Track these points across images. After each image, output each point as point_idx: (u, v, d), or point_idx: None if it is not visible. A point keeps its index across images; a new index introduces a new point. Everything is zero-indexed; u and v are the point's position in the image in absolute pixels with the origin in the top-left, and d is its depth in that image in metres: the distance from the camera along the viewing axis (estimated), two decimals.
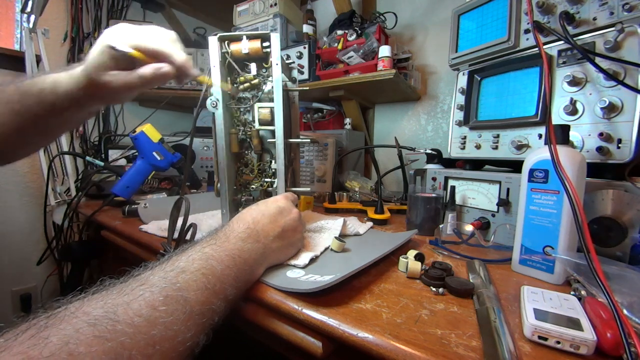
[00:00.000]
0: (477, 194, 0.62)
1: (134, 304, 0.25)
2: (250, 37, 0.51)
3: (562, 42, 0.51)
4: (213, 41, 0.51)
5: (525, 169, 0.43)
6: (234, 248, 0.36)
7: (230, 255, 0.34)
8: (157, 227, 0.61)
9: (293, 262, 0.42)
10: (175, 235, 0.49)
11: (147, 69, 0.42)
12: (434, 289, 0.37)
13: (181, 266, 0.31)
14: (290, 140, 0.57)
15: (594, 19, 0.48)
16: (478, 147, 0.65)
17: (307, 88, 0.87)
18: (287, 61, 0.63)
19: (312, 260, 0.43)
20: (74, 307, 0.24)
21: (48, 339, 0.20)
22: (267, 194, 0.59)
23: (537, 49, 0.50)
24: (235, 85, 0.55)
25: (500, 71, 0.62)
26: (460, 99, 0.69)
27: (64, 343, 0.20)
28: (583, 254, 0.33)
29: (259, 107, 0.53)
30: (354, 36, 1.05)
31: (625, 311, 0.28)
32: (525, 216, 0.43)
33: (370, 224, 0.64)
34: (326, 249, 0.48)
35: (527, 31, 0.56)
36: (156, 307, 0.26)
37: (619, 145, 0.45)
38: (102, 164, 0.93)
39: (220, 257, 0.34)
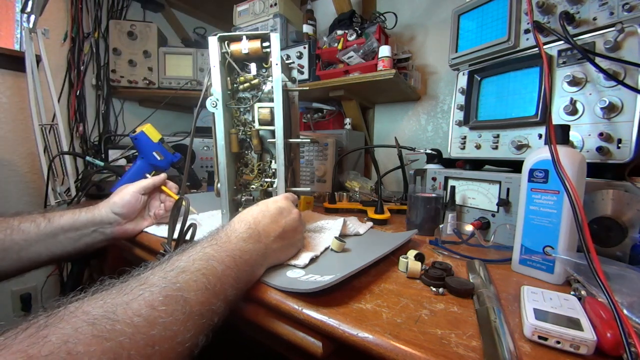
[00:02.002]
0: (477, 194, 0.62)
1: (134, 303, 0.25)
2: (250, 37, 0.51)
3: (562, 42, 0.51)
4: (213, 41, 0.51)
5: (525, 169, 0.43)
6: (235, 248, 0.36)
7: (231, 256, 0.34)
8: (156, 227, 0.61)
9: (293, 262, 0.42)
10: (175, 235, 0.49)
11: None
12: (434, 289, 0.37)
13: (181, 266, 0.31)
14: (290, 140, 0.57)
15: (594, 19, 0.48)
16: (478, 147, 0.65)
17: (307, 88, 0.87)
18: (287, 61, 0.64)
19: (312, 260, 0.43)
20: (73, 307, 0.24)
21: (47, 338, 0.20)
22: (267, 194, 0.59)
23: (537, 49, 0.50)
24: (235, 85, 0.55)
25: (500, 71, 0.62)
26: (460, 99, 0.69)
27: (63, 342, 0.20)
28: (583, 254, 0.33)
29: (259, 107, 0.53)
30: (354, 36, 1.05)
31: (625, 311, 0.28)
32: (525, 216, 0.43)
33: (370, 224, 0.64)
34: (326, 249, 0.48)
35: (527, 31, 0.56)
36: (155, 307, 0.26)
37: (619, 145, 0.45)
38: (102, 164, 0.93)
39: (221, 258, 0.33)
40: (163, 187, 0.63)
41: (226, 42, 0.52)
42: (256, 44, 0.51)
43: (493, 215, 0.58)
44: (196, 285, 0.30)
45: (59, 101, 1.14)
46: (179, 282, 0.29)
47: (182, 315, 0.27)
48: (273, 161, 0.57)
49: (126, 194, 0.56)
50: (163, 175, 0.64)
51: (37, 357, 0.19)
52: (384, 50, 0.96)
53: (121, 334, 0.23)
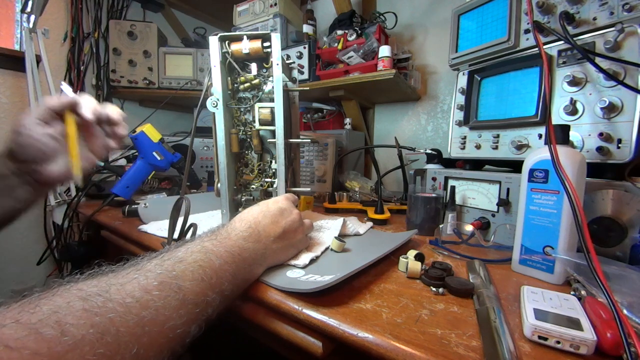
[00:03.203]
0: (477, 194, 0.62)
1: (128, 285, 0.26)
2: (251, 37, 0.51)
3: (562, 42, 0.51)
4: (214, 41, 0.51)
5: (525, 169, 0.43)
6: (235, 245, 0.36)
7: (229, 252, 0.35)
8: (156, 227, 0.61)
9: (293, 262, 0.42)
10: (176, 235, 0.49)
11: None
12: (434, 289, 0.37)
13: (179, 256, 0.31)
14: (291, 140, 0.57)
15: (594, 19, 0.48)
16: (478, 147, 0.65)
17: (307, 88, 0.87)
18: (287, 61, 0.63)
19: (312, 261, 0.43)
20: (68, 285, 0.24)
21: (38, 307, 0.21)
22: (267, 194, 0.59)
23: (537, 49, 0.50)
24: (235, 85, 0.55)
25: (500, 71, 0.62)
26: (460, 99, 0.69)
27: (53, 312, 0.21)
28: (583, 254, 0.33)
29: (259, 107, 0.53)
30: (354, 36, 1.05)
31: (625, 311, 0.28)
32: (525, 216, 0.43)
33: (370, 224, 0.64)
34: (326, 249, 0.48)
35: (527, 31, 0.56)
36: (149, 290, 0.26)
37: (619, 145, 0.45)
38: (102, 163, 0.93)
39: (220, 252, 0.34)
40: (67, 116, 0.44)
41: (227, 42, 0.52)
42: (257, 44, 0.51)
43: (493, 215, 0.58)
44: (192, 275, 0.30)
45: None
46: (175, 270, 0.29)
47: (175, 301, 0.27)
48: (273, 161, 0.58)
49: (22, 131, 0.42)
50: (71, 95, 0.45)
51: (26, 324, 0.20)
52: (384, 50, 0.96)
53: (112, 311, 0.23)
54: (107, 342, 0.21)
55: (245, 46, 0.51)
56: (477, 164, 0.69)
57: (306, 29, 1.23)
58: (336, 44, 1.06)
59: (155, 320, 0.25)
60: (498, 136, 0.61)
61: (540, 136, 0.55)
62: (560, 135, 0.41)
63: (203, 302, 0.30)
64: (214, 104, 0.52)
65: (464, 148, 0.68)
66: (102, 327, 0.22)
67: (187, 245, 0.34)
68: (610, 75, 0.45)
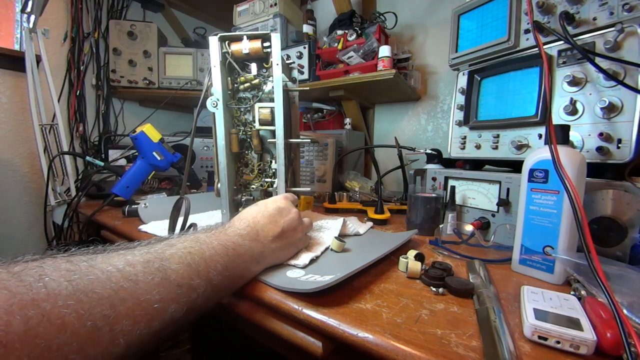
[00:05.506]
0: (477, 194, 0.62)
1: (114, 259, 0.27)
2: (251, 37, 0.51)
3: (562, 42, 0.51)
4: (214, 41, 0.51)
5: (525, 169, 0.43)
6: (229, 241, 0.36)
7: (223, 245, 0.35)
8: (156, 227, 0.61)
9: (293, 262, 0.42)
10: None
11: None
12: (434, 289, 0.37)
13: (171, 242, 0.33)
14: (291, 140, 0.57)
15: (594, 19, 0.48)
16: (478, 147, 0.65)
17: (307, 88, 0.87)
18: (287, 61, 0.63)
19: (312, 261, 0.43)
20: (61, 254, 0.26)
21: (27, 263, 0.23)
22: (267, 194, 0.59)
23: (537, 49, 0.50)
24: (235, 85, 0.55)
25: (500, 71, 0.62)
26: (460, 99, 0.69)
27: (38, 266, 0.23)
28: (583, 254, 0.33)
29: (259, 107, 0.53)
30: (354, 36, 1.05)
31: (625, 311, 0.28)
32: (525, 216, 0.43)
33: (370, 224, 0.64)
34: (326, 249, 0.48)
35: (527, 31, 0.56)
36: (134, 265, 0.27)
37: (619, 145, 0.45)
38: (102, 164, 0.93)
39: (212, 244, 0.34)
40: None
41: (227, 42, 0.52)
42: (257, 44, 0.51)
43: (493, 215, 0.58)
44: (179, 259, 0.31)
45: (58, 101, 1.14)
46: (163, 253, 0.31)
47: (157, 279, 0.28)
48: (273, 161, 0.57)
49: None
50: None
51: (12, 271, 0.22)
52: (384, 50, 0.96)
53: (92, 274, 0.24)
54: (79, 298, 0.23)
55: (245, 46, 0.51)
56: (477, 164, 0.69)
57: (306, 29, 1.23)
58: (336, 44, 1.06)
59: (134, 292, 0.26)
60: (498, 136, 0.61)
61: (540, 136, 0.55)
62: (560, 135, 0.41)
63: (186, 285, 0.30)
64: (214, 104, 0.52)
65: (464, 148, 0.68)
66: (79, 285, 0.23)
67: (181, 234, 0.35)
68: (610, 75, 0.45)
